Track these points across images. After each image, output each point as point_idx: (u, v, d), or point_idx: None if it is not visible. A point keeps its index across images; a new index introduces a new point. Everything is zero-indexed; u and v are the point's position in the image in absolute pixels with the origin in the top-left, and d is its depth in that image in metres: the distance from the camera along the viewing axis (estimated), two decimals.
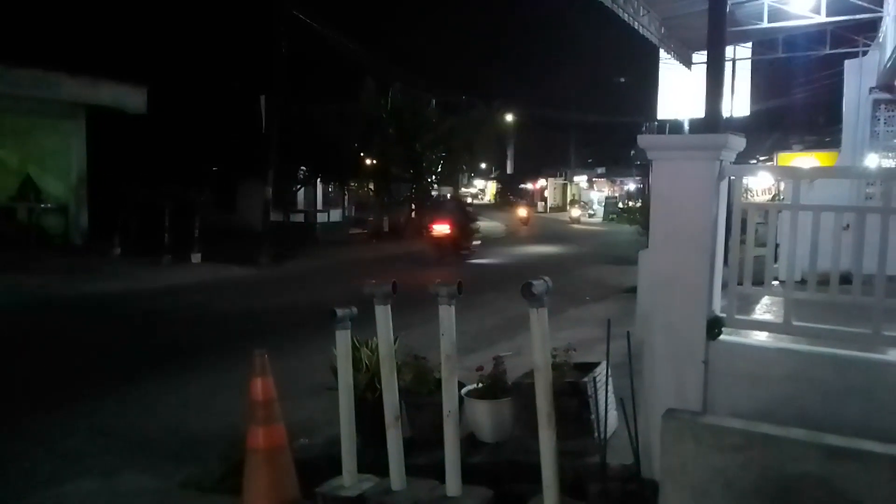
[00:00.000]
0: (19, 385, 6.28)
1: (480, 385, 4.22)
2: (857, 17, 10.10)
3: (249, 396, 3.66)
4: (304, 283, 13.99)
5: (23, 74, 15.21)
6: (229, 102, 21.40)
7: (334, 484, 3.68)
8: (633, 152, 36.64)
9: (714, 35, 5.96)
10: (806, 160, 16.84)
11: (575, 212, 43.52)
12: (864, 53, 10.37)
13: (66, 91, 16.38)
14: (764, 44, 13.43)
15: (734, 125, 14.07)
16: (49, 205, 17.15)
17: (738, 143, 3.58)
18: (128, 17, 20.54)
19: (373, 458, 3.77)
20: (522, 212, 36.49)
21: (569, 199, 54.04)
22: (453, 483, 3.43)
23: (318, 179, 26.42)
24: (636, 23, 9.72)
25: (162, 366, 7.01)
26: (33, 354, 7.49)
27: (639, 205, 26.47)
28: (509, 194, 59.17)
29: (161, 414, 5.54)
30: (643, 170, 32.74)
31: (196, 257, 15.63)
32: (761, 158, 22.72)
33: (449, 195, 28.10)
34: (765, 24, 10.16)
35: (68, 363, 7.10)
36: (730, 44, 11.31)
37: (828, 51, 12.20)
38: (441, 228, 17.68)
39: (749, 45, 13.91)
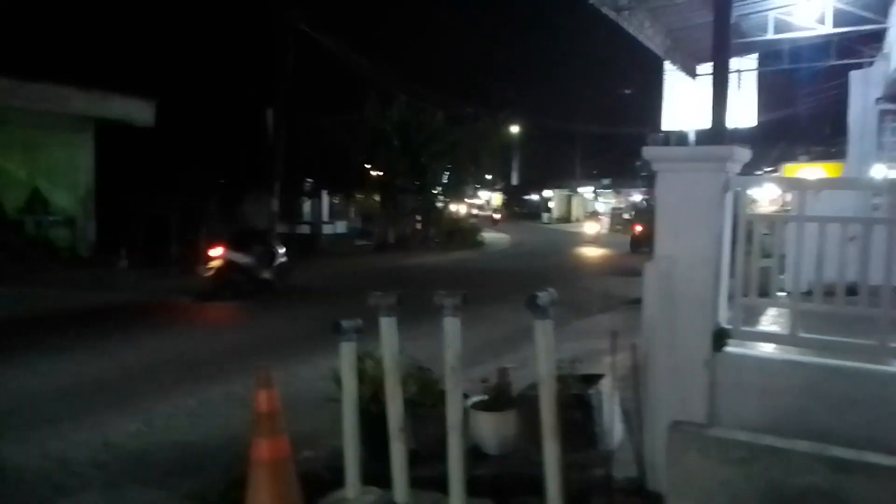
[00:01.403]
0: (23, 397, 6.30)
1: (485, 397, 4.21)
2: (863, 28, 10.12)
3: (254, 408, 3.66)
4: (310, 294, 14.00)
5: (33, 88, 15.37)
6: (236, 115, 21.55)
7: (338, 496, 3.66)
8: (638, 163, 36.70)
9: (719, 47, 5.97)
10: (812, 171, 16.78)
11: (590, 226, 37.91)
12: (870, 64, 10.37)
13: (75, 105, 16.54)
14: (769, 55, 13.45)
15: (740, 136, 14.08)
16: (57, 217, 17.27)
17: (744, 154, 3.58)
18: (137, 33, 20.74)
19: (376, 471, 3.76)
20: (496, 215, 48.53)
21: (581, 212, 53.80)
22: (457, 496, 3.41)
23: (325, 191, 26.52)
24: (641, 35, 9.76)
25: (166, 378, 7.01)
26: (36, 366, 7.50)
27: None
28: (515, 206, 59.17)
29: (164, 426, 5.54)
30: (649, 181, 32.77)
31: (202, 269, 15.67)
32: (767, 169, 22.67)
33: (646, 205, 32.68)
34: (770, 36, 10.19)
35: (71, 375, 7.11)
36: (735, 55, 11.32)
37: (833, 62, 12.20)
38: (638, 228, 25.70)
39: (755, 56, 13.93)
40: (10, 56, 15.71)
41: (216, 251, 12.67)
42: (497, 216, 47.53)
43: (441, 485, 3.51)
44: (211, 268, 12.56)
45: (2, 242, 14.95)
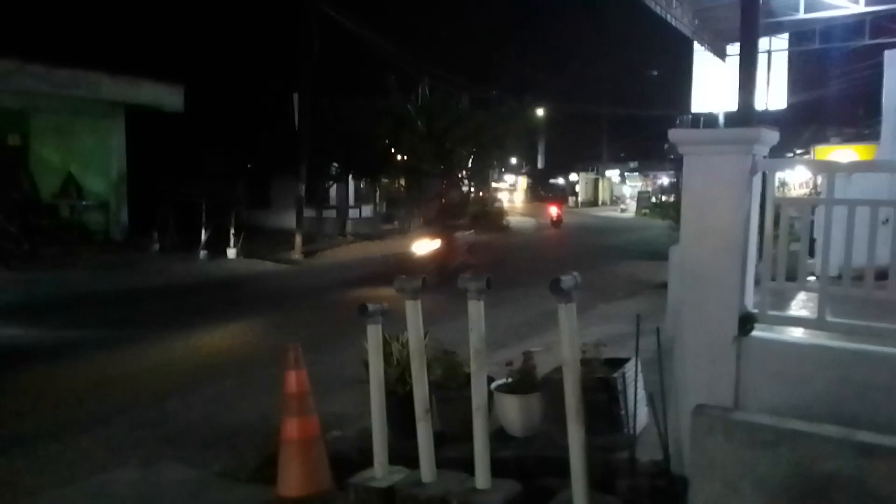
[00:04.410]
0: (61, 378, 6.49)
1: (510, 380, 4.25)
2: None
3: (283, 389, 3.74)
4: (337, 277, 14.14)
5: (65, 75, 15.62)
6: (263, 100, 21.70)
7: (366, 475, 3.74)
8: (666, 146, 36.09)
9: (747, 27, 5.86)
10: (844, 153, 16.43)
11: (421, 245, 13.25)
12: None
13: (106, 91, 16.77)
14: (800, 35, 13.12)
15: (770, 118, 13.79)
16: (90, 202, 17.61)
17: (771, 136, 3.54)
18: (165, 18, 20.95)
19: (404, 451, 3.83)
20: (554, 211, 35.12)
21: (608, 194, 51.99)
22: (482, 476, 3.46)
23: (350, 175, 26.61)
24: (669, 15, 9.57)
25: (197, 359, 7.17)
26: (72, 348, 7.71)
27: (672, 199, 26.09)
28: (540, 189, 58.76)
29: (197, 406, 5.68)
30: (676, 164, 32.17)
31: (231, 252, 15.93)
32: (798, 152, 22.26)
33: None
34: (801, 15, 9.92)
35: (106, 357, 7.30)
36: (765, 35, 11.08)
37: (867, 41, 11.86)
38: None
39: (785, 36, 13.60)
40: (41, 42, 15.99)
41: (553, 208, 30.16)
42: (556, 215, 31.36)
43: (467, 465, 3.57)
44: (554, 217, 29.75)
45: (37, 226, 15.31)
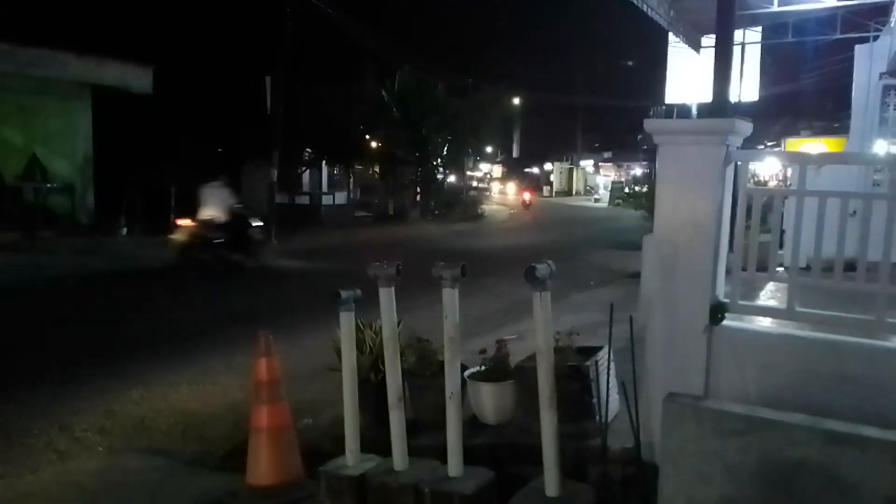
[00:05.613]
0: (25, 364, 6.34)
1: (483, 368, 4.24)
2: (869, 1, 9.98)
3: (254, 376, 3.69)
4: (309, 264, 14.02)
5: (30, 54, 15.19)
6: (235, 83, 21.35)
7: (338, 463, 3.71)
8: (640, 137, 36.38)
9: (722, 18, 5.87)
10: (814, 146, 16.72)
11: None
12: (875, 38, 10.26)
13: (72, 71, 16.36)
14: (774, 28, 13.28)
15: (743, 110, 13.96)
16: (55, 184, 17.19)
17: (745, 127, 3.56)
18: None
19: (376, 439, 3.81)
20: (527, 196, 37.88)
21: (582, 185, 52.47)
22: (455, 464, 3.46)
23: (324, 162, 26.40)
24: (645, 5, 9.59)
25: (166, 346, 7.05)
26: (38, 333, 7.55)
27: (645, 190, 26.32)
28: (515, 178, 58.92)
29: (165, 394, 5.58)
30: (650, 154, 32.60)
31: None
32: (769, 144, 22.60)
33: None
34: (775, 8, 10.02)
35: (73, 342, 7.15)
36: (739, 27, 11.18)
37: (838, 35, 12.05)
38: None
39: (759, 28, 13.75)
40: (5, 20, 15.50)
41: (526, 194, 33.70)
42: (529, 199, 36.59)
43: (439, 453, 3.56)
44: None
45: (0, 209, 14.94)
